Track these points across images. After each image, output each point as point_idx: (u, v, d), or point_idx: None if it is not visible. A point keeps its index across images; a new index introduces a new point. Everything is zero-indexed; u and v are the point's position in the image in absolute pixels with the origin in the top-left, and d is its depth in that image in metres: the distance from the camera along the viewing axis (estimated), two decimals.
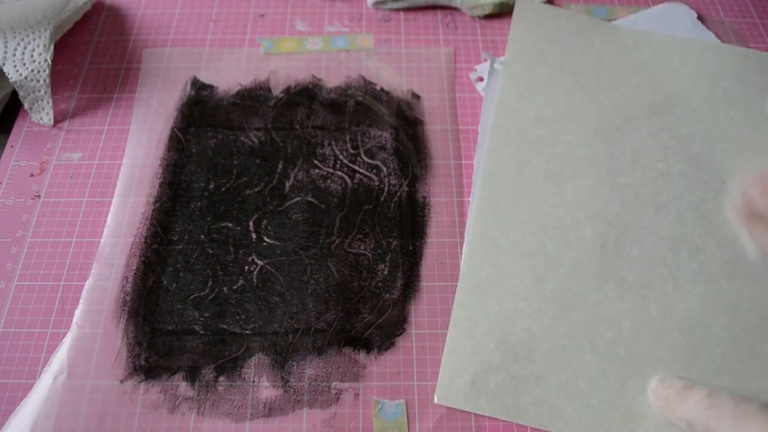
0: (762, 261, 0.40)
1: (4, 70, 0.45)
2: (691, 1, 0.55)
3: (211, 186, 0.44)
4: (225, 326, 0.38)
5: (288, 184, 0.44)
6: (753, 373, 0.36)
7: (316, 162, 0.45)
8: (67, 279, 0.40)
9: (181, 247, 0.41)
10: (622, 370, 0.36)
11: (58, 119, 0.47)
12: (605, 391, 0.36)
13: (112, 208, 0.43)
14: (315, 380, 0.36)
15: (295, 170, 0.44)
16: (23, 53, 0.46)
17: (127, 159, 0.45)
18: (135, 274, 0.40)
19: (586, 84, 0.48)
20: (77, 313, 0.39)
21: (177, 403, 0.36)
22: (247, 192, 0.43)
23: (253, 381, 0.36)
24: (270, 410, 0.36)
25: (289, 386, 0.36)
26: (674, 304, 0.39)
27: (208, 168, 0.44)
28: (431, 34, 0.53)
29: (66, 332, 0.38)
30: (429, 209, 0.43)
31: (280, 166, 0.44)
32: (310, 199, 0.43)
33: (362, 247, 0.41)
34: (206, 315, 0.38)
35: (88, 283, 0.40)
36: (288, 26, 0.53)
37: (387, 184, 0.44)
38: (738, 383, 0.36)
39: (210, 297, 0.39)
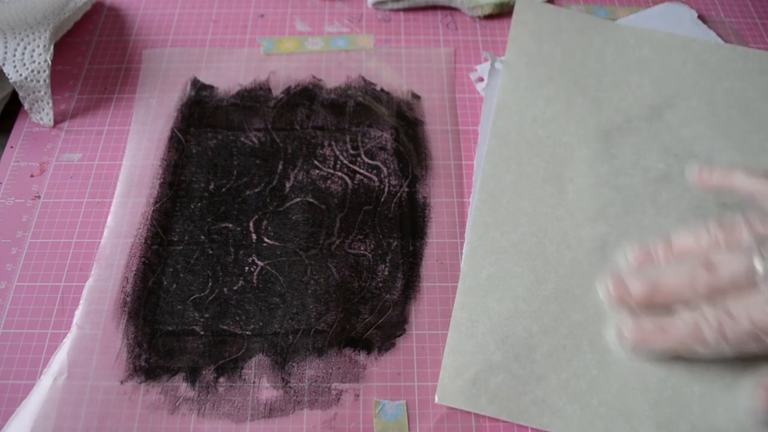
0: (621, 349, 0.37)
1: (4, 71, 0.45)
2: (691, 1, 0.55)
3: (211, 186, 0.43)
4: (225, 327, 0.38)
5: (288, 185, 0.44)
6: (756, 372, 0.36)
7: (316, 162, 0.45)
8: (67, 280, 0.40)
9: (181, 247, 0.41)
10: (622, 371, 0.36)
11: (58, 120, 0.47)
12: (605, 391, 0.36)
13: (112, 208, 0.43)
14: (315, 381, 0.36)
15: (295, 171, 0.44)
16: (23, 53, 0.46)
17: (127, 159, 0.45)
18: (135, 274, 0.40)
19: (587, 84, 0.48)
20: (77, 313, 0.39)
21: (177, 404, 0.36)
22: (247, 193, 0.43)
23: (254, 382, 0.36)
24: (270, 411, 0.36)
25: (290, 387, 0.36)
26: None
27: (208, 168, 0.44)
28: (431, 35, 0.53)
29: (66, 333, 0.38)
30: (429, 210, 0.43)
31: (280, 166, 0.44)
32: (311, 200, 0.43)
33: (362, 248, 0.41)
34: (206, 316, 0.38)
35: (88, 284, 0.40)
36: (288, 26, 0.53)
37: (387, 184, 0.44)
38: (740, 382, 0.36)
39: (210, 298, 0.39)
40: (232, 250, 0.41)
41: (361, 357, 0.37)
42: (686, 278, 0.34)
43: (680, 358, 0.36)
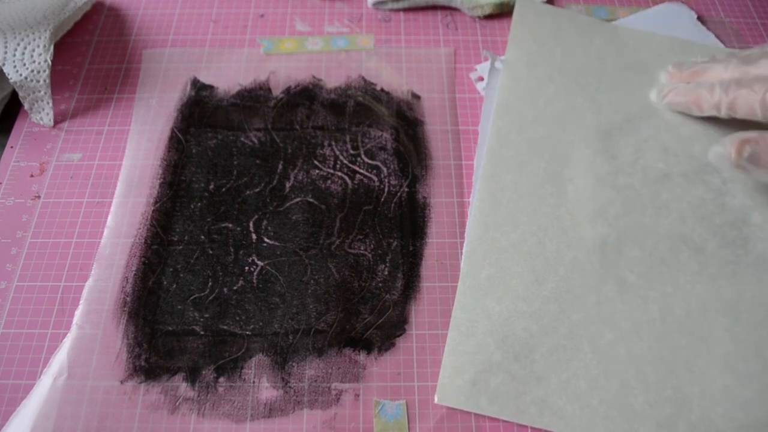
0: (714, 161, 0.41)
1: (4, 71, 0.45)
2: (691, 1, 0.55)
3: (211, 186, 0.43)
4: (225, 327, 0.38)
5: (288, 185, 0.44)
6: (755, 373, 0.36)
7: (316, 162, 0.45)
8: (67, 280, 0.40)
9: (181, 247, 0.41)
10: (622, 370, 0.36)
11: (58, 120, 0.47)
12: (605, 391, 0.36)
13: (112, 208, 0.43)
14: (315, 381, 0.36)
15: (295, 171, 0.44)
16: (23, 53, 0.46)
17: (127, 159, 0.45)
18: (135, 274, 0.40)
19: (587, 84, 0.48)
20: (77, 313, 0.39)
21: (177, 404, 0.36)
22: (247, 192, 0.43)
23: (254, 382, 0.36)
24: (270, 411, 0.36)
25: (290, 387, 0.36)
26: (674, 304, 0.39)
27: (208, 168, 0.44)
28: (431, 34, 0.53)
29: (66, 333, 0.38)
30: (429, 210, 0.43)
31: (280, 166, 0.44)
32: (311, 200, 0.43)
33: (362, 248, 0.41)
34: (206, 316, 0.38)
35: (88, 284, 0.40)
36: (288, 26, 0.53)
37: (387, 184, 0.44)
38: (739, 383, 0.36)
39: (210, 298, 0.39)
40: (232, 250, 0.41)
41: (361, 357, 0.37)
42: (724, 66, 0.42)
43: (682, 358, 0.36)
